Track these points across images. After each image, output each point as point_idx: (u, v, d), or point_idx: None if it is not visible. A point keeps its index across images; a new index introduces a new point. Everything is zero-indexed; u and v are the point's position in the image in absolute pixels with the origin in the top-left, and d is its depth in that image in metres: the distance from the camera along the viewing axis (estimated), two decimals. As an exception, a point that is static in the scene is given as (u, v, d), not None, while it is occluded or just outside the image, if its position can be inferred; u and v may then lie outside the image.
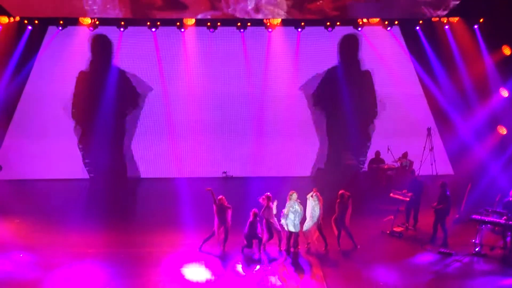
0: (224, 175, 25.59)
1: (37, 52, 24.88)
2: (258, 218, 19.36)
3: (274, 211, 19.69)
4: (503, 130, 25.06)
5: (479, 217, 20.07)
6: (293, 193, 19.46)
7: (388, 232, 21.35)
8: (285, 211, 19.39)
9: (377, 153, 25.22)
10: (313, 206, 19.54)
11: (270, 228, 19.66)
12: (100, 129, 25.16)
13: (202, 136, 26.07)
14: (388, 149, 24.55)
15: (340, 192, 20.21)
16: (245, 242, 19.49)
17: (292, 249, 19.48)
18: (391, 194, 22.32)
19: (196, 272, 18.44)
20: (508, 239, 19.73)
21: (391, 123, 26.17)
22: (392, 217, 21.60)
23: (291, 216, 19.29)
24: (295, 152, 26.43)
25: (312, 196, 19.60)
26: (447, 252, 19.87)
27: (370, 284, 17.89)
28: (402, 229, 21.50)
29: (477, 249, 19.85)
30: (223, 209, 19.72)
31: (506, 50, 24.38)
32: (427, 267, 19.10)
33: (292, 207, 19.30)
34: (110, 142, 25.59)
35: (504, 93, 24.74)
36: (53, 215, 22.27)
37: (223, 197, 19.79)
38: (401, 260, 19.45)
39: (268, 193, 19.73)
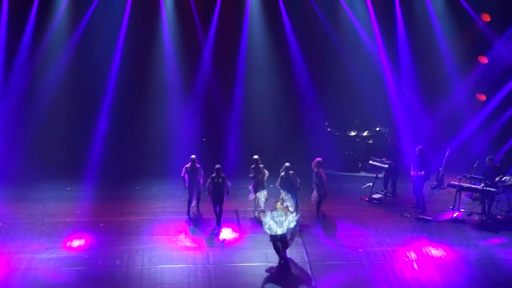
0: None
1: None
2: None
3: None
4: (482, 97, 25.12)
5: (457, 183, 20.20)
6: (278, 201, 17.60)
7: (367, 199, 21.46)
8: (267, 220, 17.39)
9: (357, 122, 25.20)
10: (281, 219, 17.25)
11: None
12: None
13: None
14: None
15: (317, 160, 20.25)
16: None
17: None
18: (370, 161, 22.44)
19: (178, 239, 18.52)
20: (486, 205, 19.89)
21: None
22: (371, 184, 21.71)
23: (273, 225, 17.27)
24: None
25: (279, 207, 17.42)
26: (425, 218, 20.01)
27: (349, 251, 17.99)
28: (381, 196, 21.60)
29: (455, 215, 20.00)
30: (194, 169, 19.71)
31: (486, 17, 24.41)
32: (405, 233, 19.22)
33: (277, 216, 17.30)
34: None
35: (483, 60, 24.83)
36: (28, 183, 22.10)
37: (194, 157, 19.92)
38: (379, 226, 19.55)
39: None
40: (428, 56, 25.29)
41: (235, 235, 19.00)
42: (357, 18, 25.07)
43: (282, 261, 17.12)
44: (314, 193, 20.11)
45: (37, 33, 24.03)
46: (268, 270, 16.92)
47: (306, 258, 17.55)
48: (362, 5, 24.98)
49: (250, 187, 20.43)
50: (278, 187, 19.43)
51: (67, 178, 22.61)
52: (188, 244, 18.36)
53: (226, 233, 19.05)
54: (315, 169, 20.05)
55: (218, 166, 19.38)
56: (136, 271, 16.85)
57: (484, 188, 19.77)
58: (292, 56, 25.41)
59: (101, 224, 19.41)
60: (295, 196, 19.16)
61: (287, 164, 19.60)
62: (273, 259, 17.31)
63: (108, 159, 23.78)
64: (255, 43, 25.21)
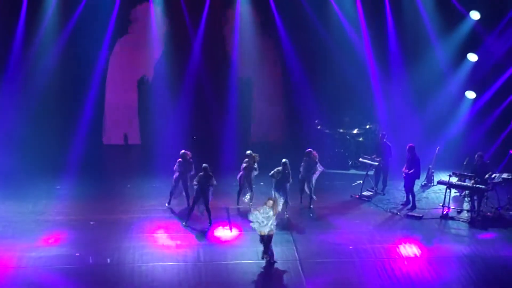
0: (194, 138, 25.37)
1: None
2: None
3: None
4: (471, 95, 25.19)
5: (447, 180, 20.28)
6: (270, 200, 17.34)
7: (357, 196, 21.51)
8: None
9: (347, 120, 25.21)
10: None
11: None
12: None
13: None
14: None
15: (308, 150, 20.46)
16: None
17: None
18: (360, 159, 22.49)
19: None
20: (475, 202, 19.98)
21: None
22: (361, 181, 21.76)
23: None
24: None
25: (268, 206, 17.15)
26: (415, 216, 20.09)
27: (339, 248, 18.03)
28: (371, 193, 21.66)
29: (444, 212, 20.09)
30: (186, 163, 19.80)
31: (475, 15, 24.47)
32: (396, 230, 19.31)
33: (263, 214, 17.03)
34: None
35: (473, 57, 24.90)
36: (18, 181, 22.08)
37: (186, 151, 20.08)
38: (370, 224, 19.63)
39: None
40: (418, 53, 25.32)
41: (226, 232, 19.00)
42: (345, 15, 25.05)
43: (264, 258, 17.07)
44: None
45: (28, 31, 23.94)
46: (259, 268, 16.94)
47: (296, 255, 17.60)
48: (350, 2, 24.98)
49: (237, 177, 20.57)
50: (271, 177, 19.67)
51: (57, 176, 22.51)
52: (179, 242, 18.33)
53: (217, 231, 19.04)
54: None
55: (205, 165, 19.33)
56: (127, 269, 16.84)
57: (474, 185, 19.85)
58: (284, 53, 25.42)
59: (91, 222, 19.37)
60: (285, 193, 19.25)
61: (285, 160, 19.67)
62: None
63: (98, 157, 23.74)
64: (246, 37, 25.17)
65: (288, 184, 19.69)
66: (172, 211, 20.21)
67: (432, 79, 25.27)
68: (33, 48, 24.03)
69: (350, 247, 18.05)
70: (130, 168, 23.24)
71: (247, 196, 20.15)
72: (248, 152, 20.56)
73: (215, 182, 19.18)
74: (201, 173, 19.14)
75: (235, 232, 18.91)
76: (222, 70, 25.47)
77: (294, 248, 17.96)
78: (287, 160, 19.70)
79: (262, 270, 16.85)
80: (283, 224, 19.16)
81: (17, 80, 24.17)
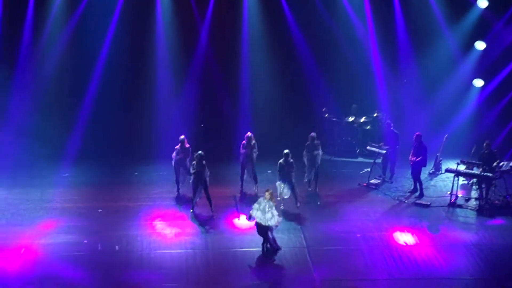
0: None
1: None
2: None
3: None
4: (479, 83, 25.11)
5: (455, 168, 20.26)
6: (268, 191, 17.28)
7: (365, 184, 21.49)
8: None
9: (354, 107, 25.15)
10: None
11: None
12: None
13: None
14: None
15: (311, 134, 20.61)
16: None
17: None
18: (368, 147, 22.47)
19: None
20: (483, 190, 19.95)
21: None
22: (369, 169, 21.75)
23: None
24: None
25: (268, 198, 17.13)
26: (423, 203, 20.07)
27: (347, 236, 18.04)
28: (379, 181, 21.65)
29: (452, 200, 20.06)
30: (184, 149, 20.01)
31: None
32: (403, 218, 19.30)
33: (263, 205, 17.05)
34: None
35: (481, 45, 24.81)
36: (27, 169, 22.12)
37: (183, 137, 20.25)
38: (377, 212, 19.63)
39: None
40: (426, 42, 25.23)
41: (234, 220, 19.02)
42: (352, 3, 25.03)
43: (268, 249, 17.12)
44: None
45: (36, 22, 24.03)
46: (267, 255, 16.97)
47: (304, 243, 17.62)
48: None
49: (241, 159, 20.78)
50: (277, 172, 19.50)
51: (65, 164, 22.56)
52: (187, 229, 18.38)
53: (225, 219, 19.06)
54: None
55: (199, 152, 19.29)
56: (135, 256, 16.92)
57: (482, 173, 19.82)
58: (292, 41, 25.36)
59: (99, 210, 19.43)
60: (290, 183, 19.23)
61: (286, 151, 19.53)
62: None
63: (106, 145, 23.75)
64: (254, 26, 25.12)
65: (293, 174, 19.62)
66: (180, 199, 20.22)
67: (439, 67, 25.17)
68: (42, 39, 24.08)
69: (358, 235, 18.07)
70: (138, 155, 23.17)
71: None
72: (249, 134, 20.74)
73: (207, 173, 19.14)
74: (195, 161, 19.13)
75: (242, 219, 18.92)
76: (230, 57, 25.42)
77: (302, 236, 17.98)
78: (288, 151, 19.56)
79: (270, 257, 16.88)
80: (291, 212, 19.17)
81: (26, 70, 24.21)
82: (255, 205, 17.02)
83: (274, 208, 17.01)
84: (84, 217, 18.99)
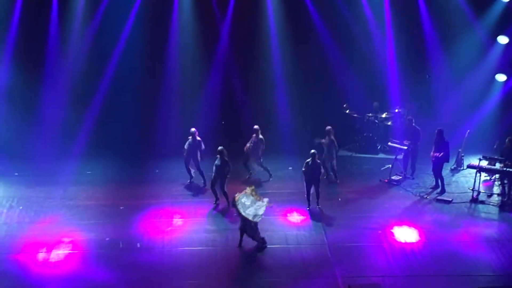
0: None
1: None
2: None
3: None
4: (502, 77, 24.91)
5: (477, 164, 20.12)
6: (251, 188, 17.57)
7: (386, 181, 21.41)
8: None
9: (376, 105, 25.05)
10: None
11: None
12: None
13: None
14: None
15: (328, 128, 20.75)
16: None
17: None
18: (389, 143, 22.37)
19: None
20: (506, 186, 19.80)
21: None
22: (390, 165, 21.66)
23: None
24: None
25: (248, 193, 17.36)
26: (445, 200, 19.97)
27: (368, 233, 18.02)
28: (400, 177, 21.55)
29: (474, 196, 19.93)
30: (195, 141, 20.35)
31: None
32: (425, 214, 19.22)
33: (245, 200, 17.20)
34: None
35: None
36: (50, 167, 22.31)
37: (194, 130, 20.54)
38: (399, 208, 19.56)
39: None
40: (448, 37, 25.07)
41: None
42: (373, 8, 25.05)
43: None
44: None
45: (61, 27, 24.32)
46: (288, 252, 16.99)
47: (325, 240, 17.63)
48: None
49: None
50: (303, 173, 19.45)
51: (87, 162, 22.69)
52: (208, 226, 18.43)
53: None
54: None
55: (220, 147, 19.37)
56: (156, 253, 17.02)
57: (504, 169, 19.67)
58: (315, 37, 25.28)
59: (121, 207, 19.54)
60: (316, 185, 19.20)
61: (313, 151, 19.32)
62: (293, 241, 17.45)
63: (127, 142, 23.87)
64: (277, 21, 25.11)
65: (320, 175, 19.54)
66: (201, 197, 20.26)
67: (462, 62, 24.99)
68: (67, 37, 24.39)
69: (379, 231, 18.02)
70: (159, 152, 23.23)
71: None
72: (256, 127, 21.02)
73: (229, 168, 19.20)
74: (218, 156, 19.19)
75: (263, 216, 18.90)
76: (251, 56, 25.44)
77: (323, 233, 17.97)
78: (315, 151, 19.40)
79: (291, 254, 16.90)
80: (312, 209, 19.17)
81: (51, 68, 24.47)
82: (245, 203, 17.01)
83: (256, 202, 17.03)
84: (106, 214, 19.11)
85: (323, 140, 20.91)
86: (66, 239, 17.55)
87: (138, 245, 17.40)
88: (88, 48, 24.53)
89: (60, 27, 24.25)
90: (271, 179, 21.18)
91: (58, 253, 16.91)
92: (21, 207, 19.43)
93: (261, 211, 16.99)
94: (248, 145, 21.18)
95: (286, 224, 18.36)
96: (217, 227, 18.39)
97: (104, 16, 24.21)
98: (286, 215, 18.97)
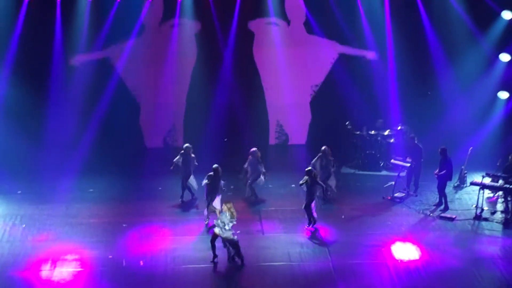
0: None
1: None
2: None
3: None
4: (504, 95, 24.95)
5: (480, 181, 20.11)
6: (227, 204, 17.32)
7: (389, 198, 21.39)
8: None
9: (380, 122, 25.06)
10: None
11: None
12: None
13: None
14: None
15: (323, 147, 20.79)
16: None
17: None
18: (392, 160, 22.38)
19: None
20: (509, 203, 19.77)
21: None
22: (393, 182, 21.65)
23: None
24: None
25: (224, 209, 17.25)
26: (448, 217, 19.94)
27: (372, 250, 17.97)
28: (403, 194, 21.53)
29: (478, 214, 19.90)
30: (187, 158, 20.55)
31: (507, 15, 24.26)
32: (428, 231, 19.19)
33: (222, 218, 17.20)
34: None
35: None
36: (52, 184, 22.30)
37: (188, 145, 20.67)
38: (402, 225, 19.53)
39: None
40: (450, 55, 25.17)
41: (258, 235, 19.01)
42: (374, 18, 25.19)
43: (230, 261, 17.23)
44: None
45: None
46: (291, 269, 16.95)
47: (329, 257, 17.58)
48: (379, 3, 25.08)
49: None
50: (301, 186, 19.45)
51: (90, 180, 22.71)
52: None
53: (249, 233, 19.04)
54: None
55: (215, 166, 19.44)
56: (159, 271, 16.96)
57: (507, 186, 19.65)
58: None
59: (124, 225, 19.52)
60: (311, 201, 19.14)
61: (309, 168, 19.42)
62: (296, 259, 17.39)
63: (130, 159, 23.91)
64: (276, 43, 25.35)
65: (318, 191, 19.60)
66: (203, 214, 20.23)
67: (464, 80, 25.09)
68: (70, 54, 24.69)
69: (383, 249, 17.98)
70: (162, 170, 23.23)
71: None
72: (253, 149, 21.04)
73: (223, 188, 19.32)
74: (211, 173, 19.20)
75: (266, 234, 18.92)
76: (252, 76, 25.60)
77: (326, 250, 17.93)
78: (309, 168, 19.43)
79: (294, 271, 16.85)
80: (315, 227, 19.14)
81: (55, 86, 24.71)
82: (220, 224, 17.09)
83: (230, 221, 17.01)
84: (109, 232, 19.08)
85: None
86: (69, 257, 17.50)
87: (141, 262, 17.36)
88: (91, 66, 24.72)
89: (64, 43, 24.46)
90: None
91: (61, 271, 16.86)
92: (24, 225, 19.42)
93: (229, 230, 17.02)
94: (246, 166, 21.12)
95: (289, 241, 18.31)
96: (221, 244, 18.28)
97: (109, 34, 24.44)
98: (289, 233, 18.95)
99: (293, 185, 21.49)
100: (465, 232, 19.15)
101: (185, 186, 20.98)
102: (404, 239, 18.54)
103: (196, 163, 20.82)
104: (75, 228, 19.30)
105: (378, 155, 24.27)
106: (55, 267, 17.03)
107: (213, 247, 17.17)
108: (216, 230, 17.06)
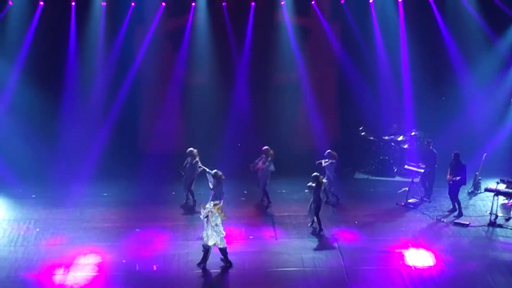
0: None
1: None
2: None
3: None
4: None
5: (494, 187, 20.02)
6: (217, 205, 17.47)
7: (402, 204, 21.33)
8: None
9: (395, 127, 25.01)
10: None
11: None
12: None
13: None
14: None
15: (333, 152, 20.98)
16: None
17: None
18: (406, 166, 22.32)
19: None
20: (524, 209, 19.75)
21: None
22: (407, 188, 21.59)
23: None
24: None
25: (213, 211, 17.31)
26: (462, 223, 19.85)
27: (385, 256, 17.92)
28: (417, 200, 21.47)
29: (492, 220, 19.81)
30: (192, 163, 20.73)
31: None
32: (442, 238, 19.11)
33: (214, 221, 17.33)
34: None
35: None
36: (67, 189, 22.38)
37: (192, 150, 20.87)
38: (416, 231, 19.46)
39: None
40: (465, 59, 25.10)
41: (271, 240, 19.00)
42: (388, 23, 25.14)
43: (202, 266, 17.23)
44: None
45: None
46: (304, 275, 16.91)
47: (342, 263, 17.53)
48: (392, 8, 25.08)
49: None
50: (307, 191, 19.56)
51: (104, 184, 22.79)
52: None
53: (261, 238, 19.04)
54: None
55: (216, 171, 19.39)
56: (172, 275, 16.97)
57: (521, 192, 19.60)
58: (332, 58, 25.73)
59: (137, 230, 19.56)
60: (316, 209, 19.21)
61: (316, 173, 19.47)
62: (309, 264, 17.35)
63: (144, 164, 23.96)
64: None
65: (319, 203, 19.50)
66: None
67: (479, 84, 25.01)
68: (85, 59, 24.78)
69: (396, 255, 17.91)
70: (175, 175, 23.24)
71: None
72: (265, 147, 21.06)
73: (224, 195, 19.15)
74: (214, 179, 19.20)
75: (279, 239, 18.91)
76: (268, 78, 25.62)
77: (340, 256, 17.89)
78: (317, 173, 19.52)
79: (307, 277, 16.81)
80: (327, 232, 19.12)
81: (69, 90, 24.84)
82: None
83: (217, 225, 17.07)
84: (122, 236, 19.13)
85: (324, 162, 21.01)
86: (82, 261, 17.58)
87: (155, 267, 17.38)
88: (105, 71, 24.84)
89: (78, 49, 24.61)
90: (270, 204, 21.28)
91: (75, 275, 16.91)
92: (38, 229, 19.51)
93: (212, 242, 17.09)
94: (259, 163, 21.14)
95: (302, 246, 18.29)
96: (233, 249, 18.24)
97: (124, 40, 24.60)
98: (302, 238, 18.93)
99: (306, 191, 21.44)
100: (479, 238, 19.06)
101: (189, 190, 21.11)
102: (417, 245, 18.48)
103: (200, 168, 20.66)
104: (88, 232, 19.37)
105: (392, 161, 24.23)
106: (68, 271, 17.08)
107: (224, 254, 17.23)
108: (204, 235, 17.14)
